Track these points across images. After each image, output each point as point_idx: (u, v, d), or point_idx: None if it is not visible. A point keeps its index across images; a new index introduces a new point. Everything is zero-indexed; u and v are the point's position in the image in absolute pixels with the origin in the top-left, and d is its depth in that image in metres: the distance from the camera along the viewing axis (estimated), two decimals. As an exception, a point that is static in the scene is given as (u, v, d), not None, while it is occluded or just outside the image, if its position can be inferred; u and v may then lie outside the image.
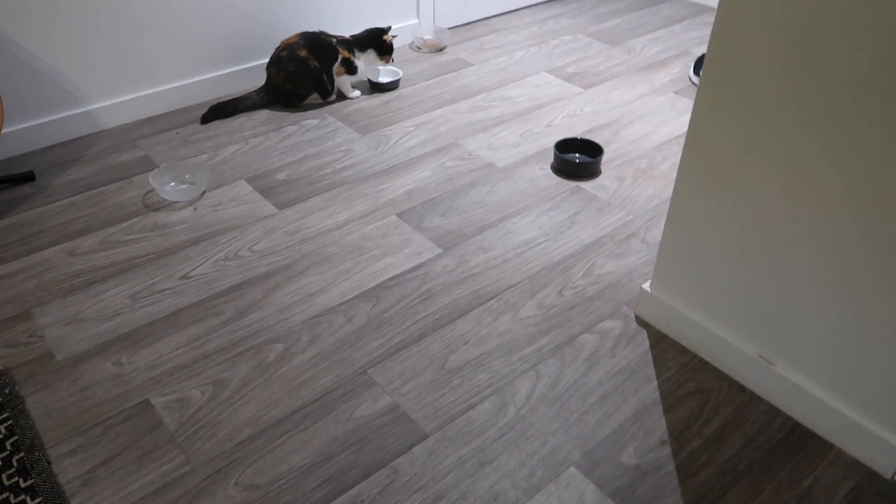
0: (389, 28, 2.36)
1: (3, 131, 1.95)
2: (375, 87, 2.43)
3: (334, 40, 2.26)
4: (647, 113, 2.29)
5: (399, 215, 1.79)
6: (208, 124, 2.20)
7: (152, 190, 1.87)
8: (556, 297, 1.53)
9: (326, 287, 1.55)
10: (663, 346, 1.41)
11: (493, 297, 1.53)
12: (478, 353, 1.39)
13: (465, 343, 1.41)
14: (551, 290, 1.55)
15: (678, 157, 2.04)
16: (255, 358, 1.37)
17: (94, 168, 1.98)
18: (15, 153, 2.02)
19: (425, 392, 1.30)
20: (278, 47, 2.24)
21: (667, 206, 1.83)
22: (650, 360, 1.38)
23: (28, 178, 1.91)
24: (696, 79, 2.49)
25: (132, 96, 2.18)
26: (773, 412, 1.28)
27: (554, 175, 1.96)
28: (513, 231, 1.74)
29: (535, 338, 1.43)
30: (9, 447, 1.19)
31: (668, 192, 1.89)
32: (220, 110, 2.22)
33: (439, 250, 1.67)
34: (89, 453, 1.19)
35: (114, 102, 2.15)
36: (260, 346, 1.40)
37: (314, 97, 2.31)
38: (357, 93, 2.37)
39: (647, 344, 1.41)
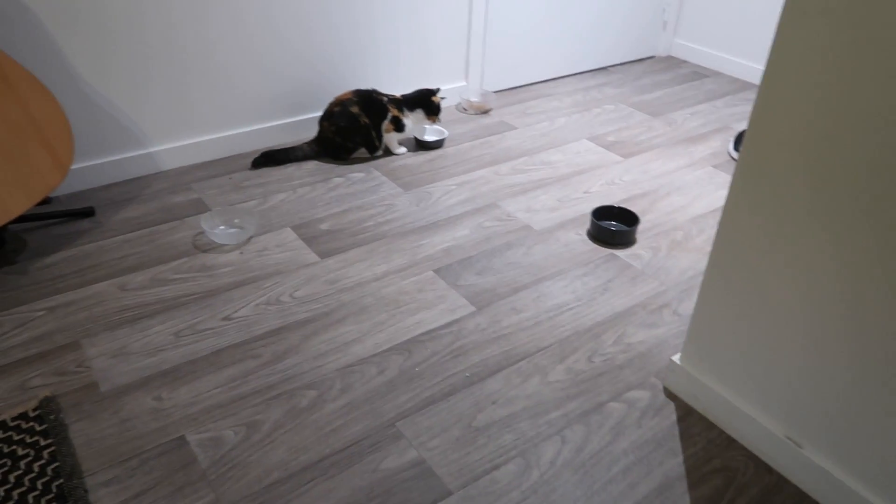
0: (438, 90, 2.46)
1: (71, 168, 2.08)
2: (421, 145, 2.52)
3: (385, 99, 2.37)
4: (685, 185, 2.33)
5: (436, 271, 1.84)
6: (259, 170, 2.30)
7: (203, 232, 1.96)
8: (585, 362, 1.55)
9: (361, 337, 1.60)
10: (691, 420, 1.41)
11: (523, 359, 1.56)
12: (505, 413, 1.41)
13: (494, 402, 1.43)
14: (581, 355, 1.57)
15: (714, 231, 2.06)
16: (289, 402, 1.42)
17: (150, 207, 2.08)
18: (79, 189, 2.15)
19: (451, 449, 1.32)
20: (332, 102, 2.35)
21: (700, 279, 1.85)
22: (677, 433, 1.38)
23: (88, 213, 2.02)
24: (735, 154, 2.53)
25: (190, 141, 2.30)
26: (801, 497, 1.27)
27: (590, 241, 2.00)
28: (546, 294, 1.77)
29: (563, 402, 1.44)
30: (50, 472, 1.24)
31: (703, 265, 1.91)
32: (272, 157, 2.33)
33: (473, 308, 1.71)
34: (124, 485, 1.23)
35: (173, 146, 2.27)
36: (294, 391, 1.45)
37: (361, 151, 2.40)
38: (403, 149, 2.46)
39: (674, 416, 1.42)
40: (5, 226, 1.69)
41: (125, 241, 1.91)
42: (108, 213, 2.04)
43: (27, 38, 1.89)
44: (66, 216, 2.00)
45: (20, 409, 1.37)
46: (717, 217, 2.15)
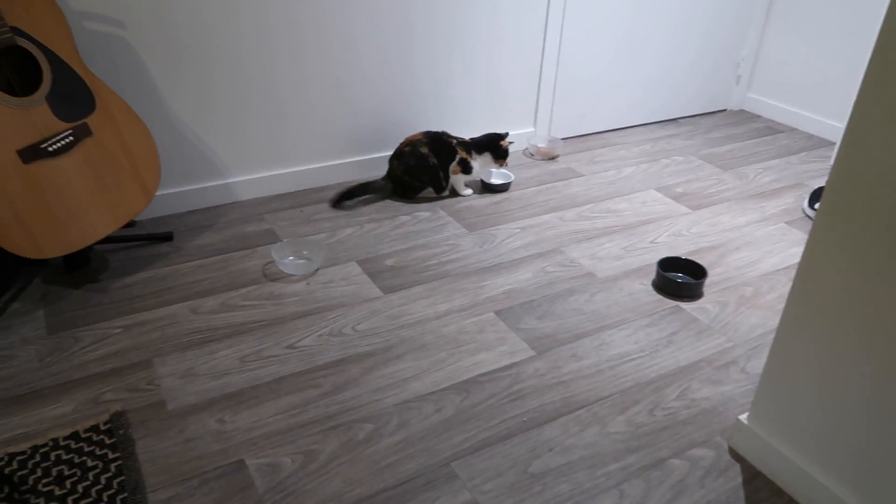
0: (507, 134, 2.49)
1: (156, 194, 2.19)
2: (487, 188, 2.55)
3: (454, 141, 2.42)
4: (756, 240, 2.27)
5: (497, 313, 1.84)
6: (327, 204, 2.37)
7: (272, 261, 2.02)
8: (646, 415, 1.51)
9: (420, 374, 1.61)
10: (757, 484, 1.35)
11: (581, 407, 1.53)
12: (562, 461, 1.38)
13: (550, 450, 1.41)
14: (642, 408, 1.54)
15: (786, 289, 2.00)
16: (346, 434, 1.43)
17: (225, 235, 2.16)
18: (160, 214, 2.26)
19: (506, 494, 1.30)
20: (402, 142, 2.41)
21: (771, 337, 1.79)
22: (742, 497, 1.32)
23: (167, 238, 2.12)
24: (811, 211, 2.46)
25: (266, 174, 2.40)
26: (877, 576, 1.19)
27: (654, 292, 1.97)
28: (608, 343, 1.74)
29: (622, 455, 1.41)
30: (115, 486, 1.28)
31: (773, 323, 1.85)
32: (350, 193, 2.38)
33: (533, 352, 1.69)
34: None
35: (250, 178, 2.37)
36: (351, 423, 1.46)
37: (428, 191, 2.45)
38: (469, 191, 2.50)
39: (739, 479, 1.36)
40: (91, 246, 1.79)
41: (199, 266, 1.99)
42: (185, 238, 2.14)
43: (126, 70, 2.02)
44: (147, 239, 2.10)
45: (92, 422, 1.42)
46: (790, 274, 2.08)
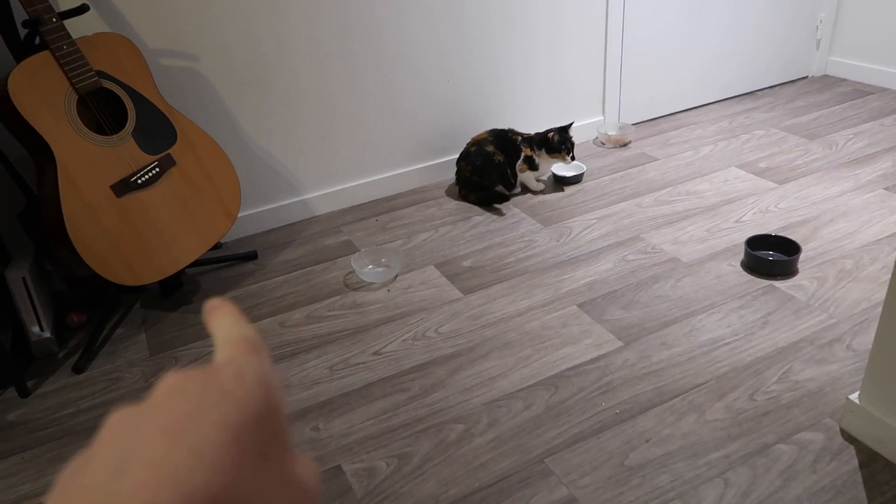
0: (570, 125, 2.41)
1: (238, 215, 2.28)
2: (559, 181, 2.51)
3: (519, 138, 2.39)
4: (852, 210, 2.14)
5: (580, 306, 1.81)
6: (402, 211, 2.39)
7: (353, 271, 2.06)
8: (746, 401, 1.45)
9: (506, 372, 1.60)
10: (875, 467, 1.26)
11: (676, 396, 1.48)
12: (660, 452, 1.34)
13: (647, 441, 1.37)
14: (741, 393, 1.47)
15: (890, 258, 1.87)
16: (437, 436, 1.43)
17: (306, 250, 2.23)
18: (244, 234, 2.35)
19: (603, 488, 1.27)
20: (469, 143, 2.42)
21: (877, 310, 1.68)
22: (859, 480, 1.24)
23: (252, 256, 2.20)
24: (910, 174, 2.30)
25: (340, 187, 2.45)
26: None
27: (744, 272, 1.88)
28: (699, 328, 1.68)
29: (723, 443, 1.35)
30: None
31: (879, 295, 1.74)
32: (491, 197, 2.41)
33: (620, 343, 1.65)
34: (287, 509, 1.29)
35: (325, 192, 2.43)
36: (442, 424, 1.46)
37: (500, 189, 2.43)
38: (541, 185, 2.47)
39: (855, 462, 1.28)
40: (183, 270, 1.88)
41: (284, 282, 2.06)
42: (268, 255, 2.21)
43: (202, 102, 2.12)
44: (233, 260, 2.18)
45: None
46: (895, 243, 1.95)
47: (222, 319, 0.29)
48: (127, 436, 0.22)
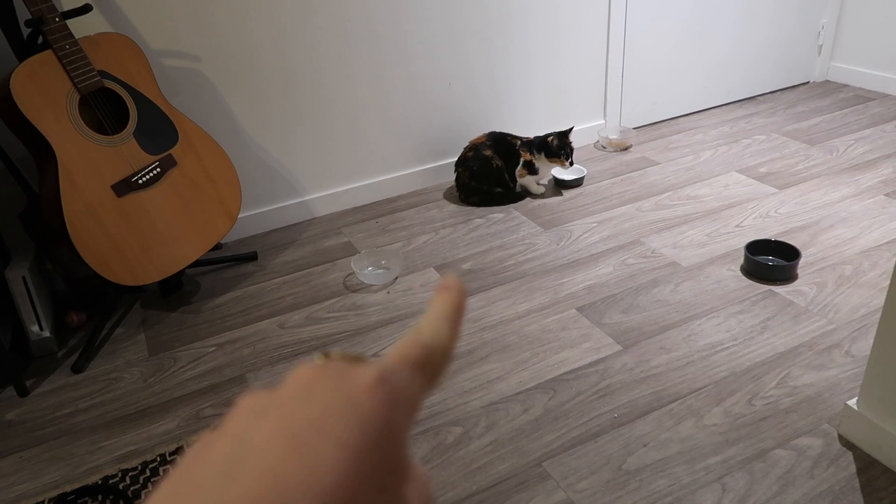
0: (569, 130, 2.40)
1: (238, 216, 2.28)
2: (560, 184, 2.51)
3: (518, 142, 2.39)
4: (852, 216, 2.14)
5: (579, 309, 1.81)
6: (403, 213, 2.40)
7: (353, 273, 2.06)
8: (745, 405, 1.45)
9: (505, 375, 1.60)
10: (873, 473, 1.26)
11: (674, 400, 1.48)
12: (658, 457, 1.34)
13: (645, 445, 1.37)
14: (740, 398, 1.47)
15: (890, 264, 1.87)
16: (435, 438, 1.44)
17: (306, 251, 2.23)
18: (244, 235, 2.35)
19: (601, 492, 1.27)
20: (466, 147, 2.42)
21: (876, 316, 1.68)
22: (857, 486, 1.24)
23: (252, 257, 2.20)
24: (910, 180, 2.30)
25: (341, 189, 2.46)
26: None
27: (744, 277, 1.88)
28: (698, 333, 1.68)
29: (721, 448, 1.35)
30: None
31: (878, 301, 1.74)
32: (486, 195, 2.41)
33: (619, 347, 1.65)
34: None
35: (325, 194, 2.43)
36: (440, 427, 1.46)
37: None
38: (541, 189, 2.47)
39: (853, 468, 1.28)
40: (183, 270, 1.88)
41: (284, 283, 2.06)
42: (268, 257, 2.21)
43: (203, 102, 2.12)
44: (233, 260, 2.18)
45: (195, 437, 1.49)
46: (894, 249, 1.95)
47: (437, 307, 0.27)
48: (248, 430, 0.21)
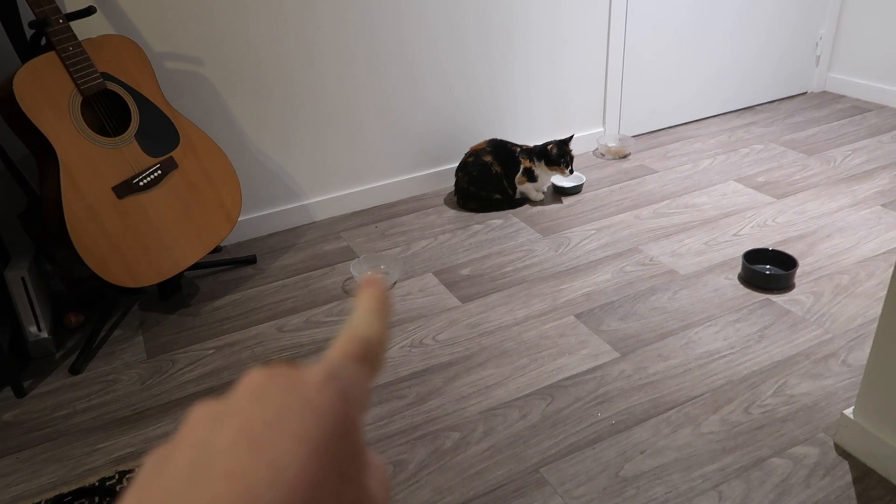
0: (570, 139, 2.41)
1: (238, 219, 2.28)
2: (559, 191, 2.52)
3: (518, 150, 2.40)
4: (849, 226, 2.15)
5: (577, 316, 1.81)
6: (402, 218, 2.40)
7: (351, 277, 2.07)
8: (742, 414, 1.45)
9: (503, 381, 1.60)
10: (869, 482, 1.27)
11: (672, 408, 1.48)
12: (655, 464, 1.34)
13: (642, 453, 1.37)
14: (737, 406, 1.47)
15: (886, 275, 1.88)
16: (433, 443, 1.44)
17: (305, 255, 2.23)
18: (243, 238, 2.35)
19: (598, 499, 1.28)
20: (466, 153, 2.43)
21: (873, 326, 1.69)
22: (853, 495, 1.25)
23: (251, 261, 2.20)
24: (907, 191, 2.31)
25: (341, 193, 2.46)
26: None
27: (741, 286, 1.89)
28: (695, 341, 1.69)
29: (718, 456, 1.35)
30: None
31: (874, 311, 1.75)
32: (482, 200, 2.43)
33: (617, 354, 1.66)
34: (282, 514, 1.29)
35: (325, 198, 2.44)
36: (438, 432, 1.47)
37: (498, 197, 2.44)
38: (541, 196, 2.48)
39: (849, 477, 1.28)
40: (182, 272, 1.88)
41: (283, 287, 2.06)
42: (268, 260, 2.22)
43: (205, 105, 2.13)
44: (232, 263, 2.19)
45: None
46: (890, 259, 1.96)
47: (364, 303, 0.28)
48: (207, 436, 0.22)
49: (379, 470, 0.25)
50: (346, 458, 0.22)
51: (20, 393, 1.68)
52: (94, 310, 1.98)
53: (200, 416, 0.23)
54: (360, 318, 0.28)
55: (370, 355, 0.27)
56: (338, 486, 0.21)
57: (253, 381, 0.24)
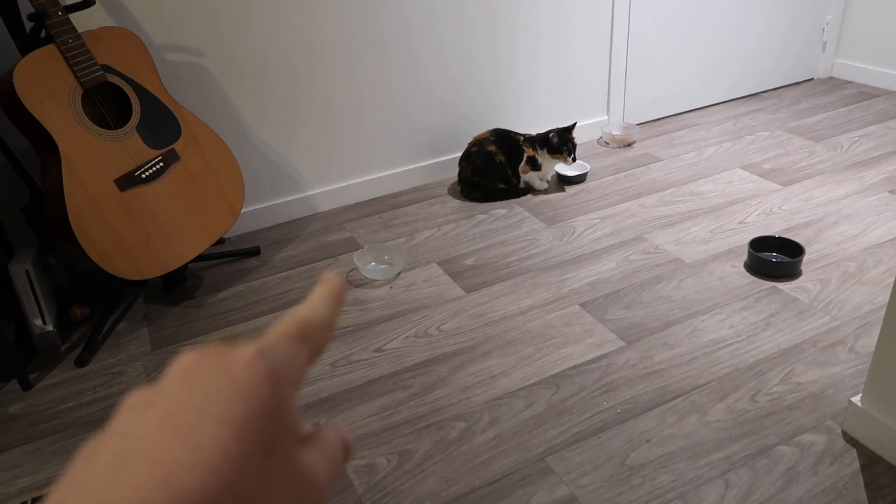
0: (573, 126, 2.39)
1: (241, 211, 2.28)
2: (563, 180, 2.51)
3: (521, 138, 2.39)
4: (856, 213, 2.13)
5: (582, 305, 1.80)
6: (406, 209, 2.39)
7: (355, 268, 2.06)
8: (748, 402, 1.44)
9: (508, 371, 1.60)
10: (877, 469, 1.26)
11: (678, 396, 1.48)
12: (660, 452, 1.34)
13: (648, 441, 1.37)
14: (743, 394, 1.47)
15: (894, 262, 1.87)
16: (438, 433, 1.43)
17: (308, 246, 2.23)
18: (247, 230, 2.35)
19: (604, 487, 1.27)
20: (470, 143, 2.41)
21: (880, 313, 1.68)
22: (861, 483, 1.24)
23: (255, 252, 2.20)
24: (915, 177, 2.29)
25: (344, 184, 2.45)
26: None
27: (747, 274, 1.88)
28: (701, 329, 1.68)
29: (725, 444, 1.35)
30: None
31: (882, 298, 1.73)
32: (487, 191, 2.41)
33: (622, 343, 1.65)
34: (288, 505, 1.29)
35: (329, 189, 2.43)
36: (443, 422, 1.46)
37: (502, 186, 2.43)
38: (545, 185, 2.46)
39: (857, 464, 1.28)
40: (186, 264, 1.88)
41: (286, 278, 2.06)
42: (271, 251, 2.21)
43: (206, 97, 2.12)
44: (236, 255, 2.18)
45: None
46: (897, 246, 1.94)
47: (316, 293, 0.29)
48: (134, 424, 0.22)
49: (326, 444, 0.26)
50: (275, 434, 0.22)
51: (26, 385, 1.68)
52: (99, 302, 1.98)
53: (131, 403, 0.23)
54: (307, 303, 0.29)
55: (309, 337, 0.27)
56: (263, 462, 0.22)
57: (182, 365, 0.24)
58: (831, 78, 3.34)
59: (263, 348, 0.25)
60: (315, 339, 0.27)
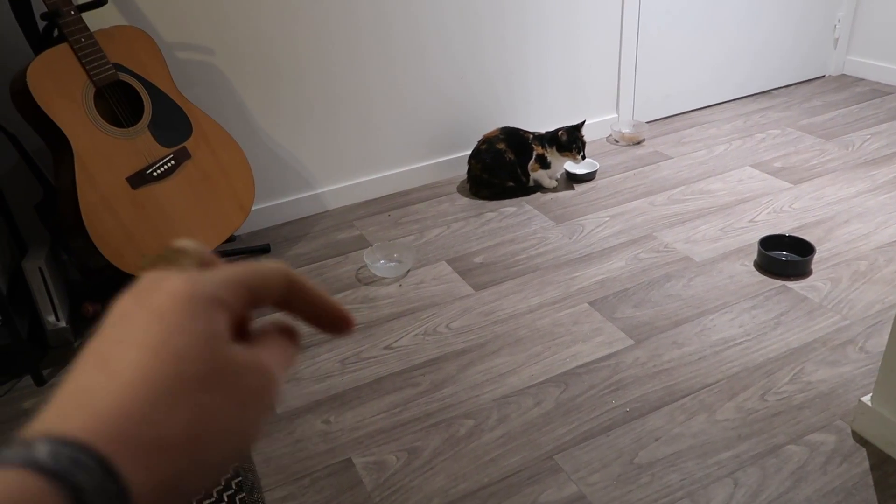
0: (582, 124, 2.39)
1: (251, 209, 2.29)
2: (572, 178, 2.51)
3: (531, 136, 2.39)
4: (868, 211, 2.12)
5: (591, 304, 1.81)
6: (415, 206, 2.40)
7: (365, 266, 2.07)
8: (757, 401, 1.44)
9: (517, 369, 1.60)
10: (887, 469, 1.26)
11: (687, 395, 1.48)
12: (669, 451, 1.34)
13: (656, 440, 1.37)
14: (752, 393, 1.47)
15: (906, 260, 1.86)
16: (447, 431, 1.44)
17: (318, 244, 2.24)
18: (257, 227, 2.36)
19: (612, 486, 1.28)
20: (480, 140, 2.41)
21: (891, 313, 1.67)
22: (871, 483, 1.24)
23: (265, 250, 2.21)
24: (927, 175, 2.28)
25: (353, 182, 2.46)
26: None
27: (757, 273, 1.87)
28: (710, 328, 1.68)
29: (734, 443, 1.35)
30: (234, 486, 1.35)
31: (893, 297, 1.72)
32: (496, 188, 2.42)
33: (631, 342, 1.65)
34: (298, 501, 1.31)
35: (339, 187, 2.44)
36: (452, 419, 1.47)
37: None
38: (554, 183, 2.46)
39: (866, 464, 1.27)
40: (197, 262, 1.89)
41: (296, 275, 2.06)
42: (281, 249, 2.22)
43: (216, 95, 2.13)
44: (246, 252, 2.20)
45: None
46: (909, 245, 1.93)
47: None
48: (76, 368, 0.25)
49: (271, 339, 0.30)
50: (202, 346, 0.25)
51: (40, 381, 1.70)
52: (111, 299, 2.00)
53: (83, 352, 0.25)
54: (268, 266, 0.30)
55: (249, 282, 0.29)
56: (193, 370, 0.24)
57: (116, 306, 0.26)
58: (843, 75, 3.32)
59: (196, 280, 0.26)
60: (253, 285, 0.29)
